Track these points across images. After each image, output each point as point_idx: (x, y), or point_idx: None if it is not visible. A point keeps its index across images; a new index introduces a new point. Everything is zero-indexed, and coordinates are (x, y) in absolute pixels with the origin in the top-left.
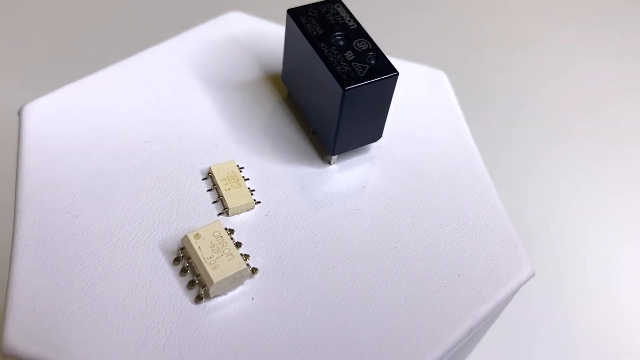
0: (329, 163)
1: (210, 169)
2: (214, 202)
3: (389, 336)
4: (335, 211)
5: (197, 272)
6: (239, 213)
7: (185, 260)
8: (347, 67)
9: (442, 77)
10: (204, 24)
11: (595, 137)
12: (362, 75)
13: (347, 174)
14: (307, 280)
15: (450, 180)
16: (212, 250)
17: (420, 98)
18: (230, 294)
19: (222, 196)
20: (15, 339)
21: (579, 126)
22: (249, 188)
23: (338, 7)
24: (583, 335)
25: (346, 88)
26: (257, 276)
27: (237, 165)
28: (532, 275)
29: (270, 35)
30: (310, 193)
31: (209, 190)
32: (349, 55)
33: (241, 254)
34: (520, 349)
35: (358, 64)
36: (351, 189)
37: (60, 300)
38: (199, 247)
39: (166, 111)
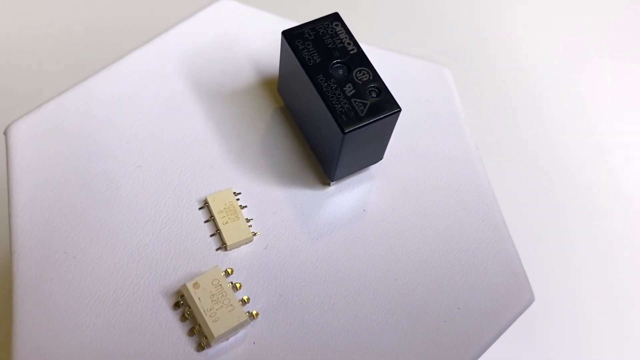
0: (328, 184)
1: (206, 199)
2: (211, 235)
3: None
4: (336, 240)
5: (198, 322)
6: (237, 247)
7: (185, 308)
8: (346, 105)
9: (446, 74)
10: (192, 16)
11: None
12: (362, 115)
13: (346, 195)
14: (308, 320)
15: (452, 200)
16: (212, 301)
17: (424, 100)
18: (232, 339)
19: (220, 230)
20: None
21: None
22: (246, 219)
23: (337, 25)
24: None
25: (346, 131)
26: (258, 319)
27: (234, 193)
28: (533, 301)
29: (266, 30)
30: (310, 220)
31: (206, 222)
32: (349, 89)
33: (241, 300)
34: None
35: (358, 101)
36: (351, 214)
37: (65, 353)
38: (199, 298)
39: (158, 129)
